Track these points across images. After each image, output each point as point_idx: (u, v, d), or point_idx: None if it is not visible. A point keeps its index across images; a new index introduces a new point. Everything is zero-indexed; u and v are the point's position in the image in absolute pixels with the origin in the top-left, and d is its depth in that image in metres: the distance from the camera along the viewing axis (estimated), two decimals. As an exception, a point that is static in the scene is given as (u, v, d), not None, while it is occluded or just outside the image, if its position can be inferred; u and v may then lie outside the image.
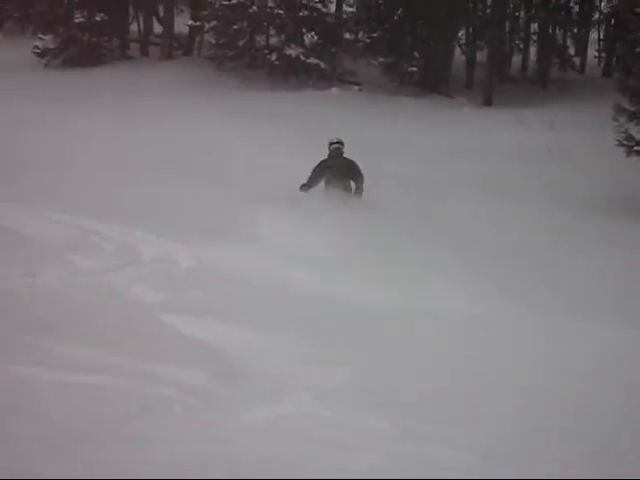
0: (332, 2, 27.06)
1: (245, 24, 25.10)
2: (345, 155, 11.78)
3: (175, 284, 7.69)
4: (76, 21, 26.24)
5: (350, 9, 27.11)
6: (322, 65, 24.84)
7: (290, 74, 24.83)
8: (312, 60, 24.82)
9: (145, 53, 27.74)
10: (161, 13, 28.35)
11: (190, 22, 27.07)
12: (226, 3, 25.00)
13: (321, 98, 22.40)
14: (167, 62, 26.58)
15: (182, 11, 29.37)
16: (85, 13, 26.46)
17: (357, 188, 11.67)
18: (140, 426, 4.50)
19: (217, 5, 25.12)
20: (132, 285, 7.61)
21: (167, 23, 27.45)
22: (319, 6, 25.51)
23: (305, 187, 11.61)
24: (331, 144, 11.84)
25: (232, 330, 6.37)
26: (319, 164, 11.72)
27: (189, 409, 4.87)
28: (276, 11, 24.83)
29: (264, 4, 24.98)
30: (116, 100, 20.26)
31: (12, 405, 4.65)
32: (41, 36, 26.21)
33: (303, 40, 25.51)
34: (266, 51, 25.02)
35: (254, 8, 24.84)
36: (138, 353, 5.56)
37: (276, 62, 24.72)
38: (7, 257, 8.11)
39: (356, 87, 24.81)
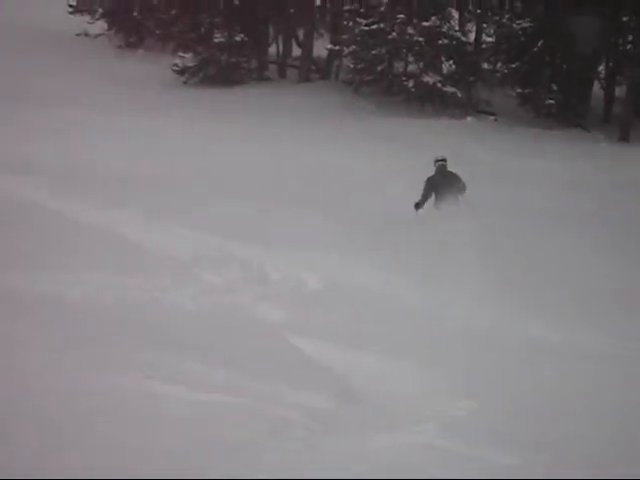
0: (471, 31, 26.93)
1: (384, 50, 25.16)
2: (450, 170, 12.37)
3: (301, 304, 7.68)
4: (216, 41, 26.74)
5: (489, 39, 26.89)
6: (459, 94, 24.67)
7: (426, 101, 24.75)
8: (449, 88, 24.69)
9: (283, 75, 28.03)
10: (300, 36, 28.70)
11: (329, 46, 27.29)
12: (366, 29, 25.14)
13: (456, 127, 22.32)
14: (304, 85, 26.79)
15: (322, 35, 29.68)
16: (225, 33, 26.99)
17: (462, 196, 12.24)
18: (266, 449, 4.46)
19: (357, 30, 25.28)
20: (258, 304, 7.66)
21: (306, 46, 27.73)
22: (458, 35, 25.42)
23: (419, 206, 12.13)
24: (436, 161, 12.45)
25: (357, 354, 6.34)
26: (428, 182, 12.29)
27: (313, 433, 4.82)
28: (415, 38, 24.82)
29: (404, 31, 24.99)
30: (251, 121, 20.53)
31: (143, 418, 4.70)
32: (181, 54, 26.79)
33: (441, 68, 25.39)
34: (404, 77, 24.99)
35: (393, 34, 24.88)
36: (264, 374, 5.58)
37: (413, 89, 24.67)
38: (136, 271, 8.22)
39: (492, 117, 24.54)
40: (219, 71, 26.72)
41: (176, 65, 26.78)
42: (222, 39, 27.03)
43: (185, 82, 26.62)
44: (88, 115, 19.34)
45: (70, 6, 30.71)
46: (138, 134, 17.45)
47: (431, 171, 12.27)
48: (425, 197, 12.19)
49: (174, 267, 8.55)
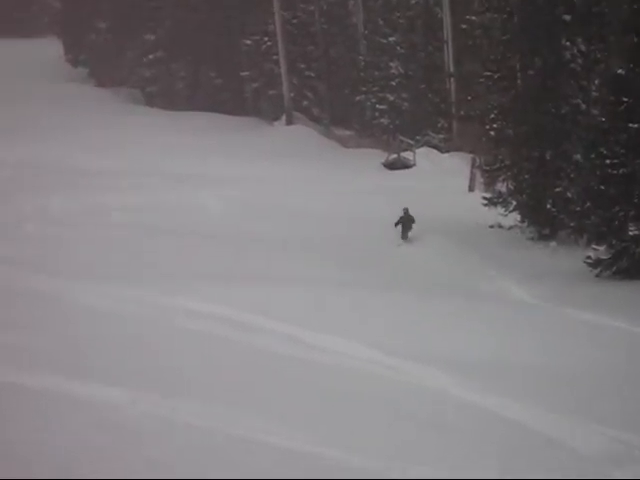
0: None
1: None
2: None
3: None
4: (630, 233, 27.31)
5: None
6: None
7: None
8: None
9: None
10: None
11: None
12: None
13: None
14: None
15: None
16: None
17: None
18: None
19: None
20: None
21: None
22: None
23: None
24: (404, 209, 29.13)
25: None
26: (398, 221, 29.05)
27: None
28: None
29: None
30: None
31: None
32: (594, 246, 27.74)
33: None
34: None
35: None
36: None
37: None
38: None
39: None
40: (633, 263, 27.15)
41: (589, 257, 27.69)
42: (636, 231, 27.53)
43: (597, 275, 27.34)
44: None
45: (484, 198, 32.96)
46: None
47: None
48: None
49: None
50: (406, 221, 29.89)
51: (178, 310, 16.01)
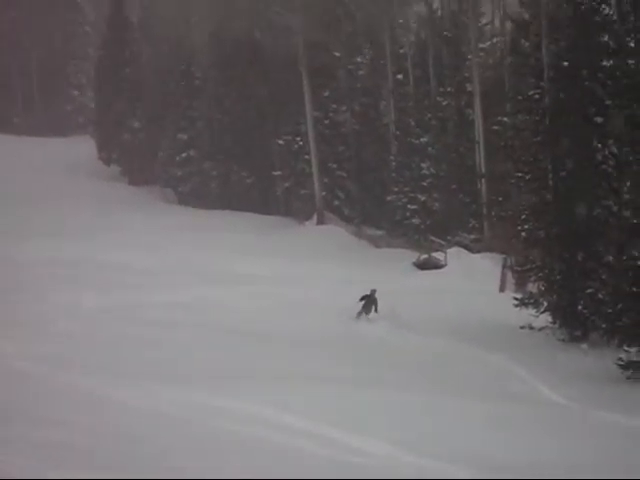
0: None
1: None
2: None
3: None
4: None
5: None
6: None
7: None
8: None
9: None
10: None
11: None
12: None
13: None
14: None
15: None
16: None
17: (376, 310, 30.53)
18: None
19: None
20: None
21: None
22: None
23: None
24: (371, 290, 30.96)
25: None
26: (363, 297, 31.11)
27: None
28: None
29: None
30: None
31: None
32: (626, 348, 27.59)
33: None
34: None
35: None
36: None
37: None
38: None
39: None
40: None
41: (620, 359, 27.48)
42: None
43: (629, 377, 27.15)
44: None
45: (515, 299, 32.99)
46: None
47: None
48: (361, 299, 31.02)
49: None
50: (369, 302, 31.26)
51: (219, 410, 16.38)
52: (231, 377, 20.50)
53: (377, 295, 31.11)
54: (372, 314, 30.98)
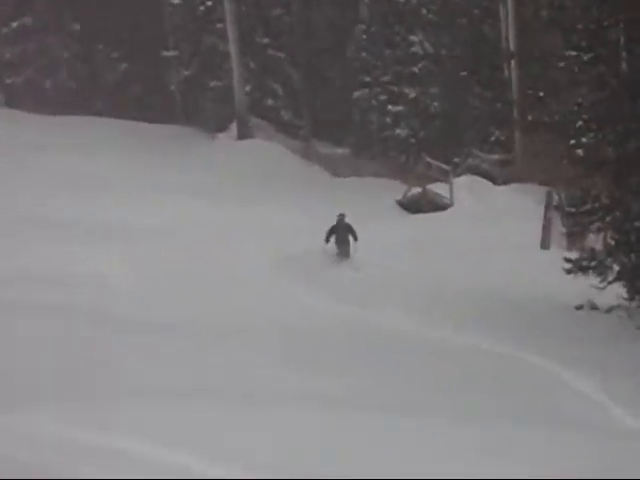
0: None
1: None
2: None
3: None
4: None
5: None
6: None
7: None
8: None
9: None
10: None
11: None
12: None
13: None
14: None
15: None
16: None
17: (354, 240, 27.17)
18: None
19: None
20: None
21: None
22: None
23: (326, 242, 26.97)
24: (338, 215, 27.16)
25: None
26: (330, 228, 27.13)
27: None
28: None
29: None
30: None
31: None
32: None
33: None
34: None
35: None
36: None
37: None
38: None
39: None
40: None
41: None
42: None
43: None
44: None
45: (567, 261, 27.58)
46: None
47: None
48: (327, 238, 26.80)
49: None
50: (340, 231, 28.38)
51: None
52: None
53: (348, 221, 29.12)
54: (352, 249, 28.14)
